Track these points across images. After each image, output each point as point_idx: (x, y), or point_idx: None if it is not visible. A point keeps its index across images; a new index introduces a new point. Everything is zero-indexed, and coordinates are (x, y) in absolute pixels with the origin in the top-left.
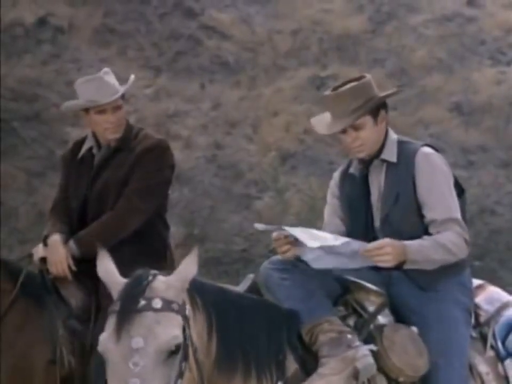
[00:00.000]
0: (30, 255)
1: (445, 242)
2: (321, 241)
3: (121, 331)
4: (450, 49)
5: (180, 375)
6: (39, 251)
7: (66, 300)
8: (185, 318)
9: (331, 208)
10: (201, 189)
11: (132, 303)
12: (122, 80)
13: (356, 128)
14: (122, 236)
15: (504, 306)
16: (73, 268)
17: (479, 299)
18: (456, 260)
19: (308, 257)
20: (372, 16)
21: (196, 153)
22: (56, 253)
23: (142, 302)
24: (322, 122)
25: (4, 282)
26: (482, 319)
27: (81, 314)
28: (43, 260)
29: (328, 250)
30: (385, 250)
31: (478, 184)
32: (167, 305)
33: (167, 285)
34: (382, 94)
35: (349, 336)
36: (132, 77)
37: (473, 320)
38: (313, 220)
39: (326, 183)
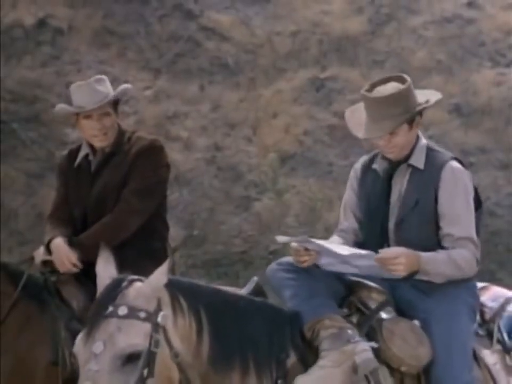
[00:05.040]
0: (31, 258)
1: (458, 259)
2: (348, 250)
3: (89, 335)
4: (450, 51)
5: (141, 381)
6: (40, 254)
7: (68, 302)
8: (156, 325)
9: (348, 202)
10: (201, 190)
11: (101, 309)
12: (121, 82)
13: (391, 133)
14: (123, 238)
15: (508, 301)
16: (79, 264)
17: (484, 298)
18: (463, 277)
19: (321, 262)
20: (372, 17)
21: (195, 155)
22: (62, 252)
23: (110, 309)
24: (358, 121)
25: (4, 285)
26: (487, 316)
27: (83, 316)
28: (45, 262)
29: (344, 260)
30: (399, 260)
31: (478, 185)
32: (133, 312)
33: (137, 292)
34: (424, 103)
35: (349, 331)
36: (124, 85)
37: (479, 318)
38: (312, 222)
39: (326, 184)
